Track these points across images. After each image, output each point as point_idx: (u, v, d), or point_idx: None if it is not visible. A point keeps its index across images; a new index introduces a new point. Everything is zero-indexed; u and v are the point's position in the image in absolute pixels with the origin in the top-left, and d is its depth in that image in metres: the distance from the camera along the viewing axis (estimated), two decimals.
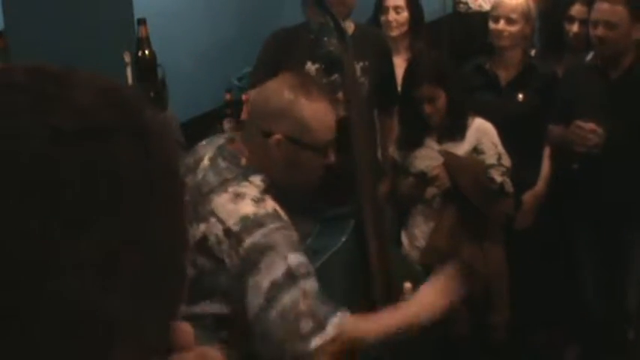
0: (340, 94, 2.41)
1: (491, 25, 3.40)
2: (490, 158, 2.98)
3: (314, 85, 1.95)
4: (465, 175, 2.92)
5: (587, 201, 3.28)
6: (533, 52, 3.73)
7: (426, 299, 2.00)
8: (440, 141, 3.01)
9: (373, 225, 2.30)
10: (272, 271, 1.73)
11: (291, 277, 1.74)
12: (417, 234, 3.03)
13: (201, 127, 3.47)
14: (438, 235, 2.93)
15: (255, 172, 1.87)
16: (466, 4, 4.72)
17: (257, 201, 1.81)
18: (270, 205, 1.82)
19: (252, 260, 1.74)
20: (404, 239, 3.10)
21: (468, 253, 2.92)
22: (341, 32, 2.33)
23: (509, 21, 3.36)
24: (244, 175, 1.86)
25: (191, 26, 3.87)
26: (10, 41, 2.74)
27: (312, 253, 2.29)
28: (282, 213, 1.84)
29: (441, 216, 2.95)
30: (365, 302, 2.24)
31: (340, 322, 1.76)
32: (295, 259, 1.77)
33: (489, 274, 2.96)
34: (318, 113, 1.90)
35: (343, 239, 2.31)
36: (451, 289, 2.03)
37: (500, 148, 3.00)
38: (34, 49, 2.62)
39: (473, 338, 2.98)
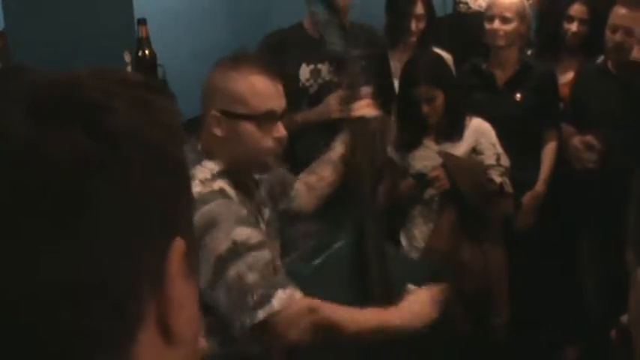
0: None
1: (486, 24, 3.40)
2: (489, 159, 2.98)
3: (244, 59, 1.92)
4: (464, 176, 2.92)
5: (591, 201, 3.28)
6: (529, 52, 3.73)
7: (411, 308, 2.01)
8: (438, 141, 3.01)
9: (373, 225, 2.30)
10: (216, 246, 1.74)
11: (236, 251, 1.75)
12: (417, 235, 3.03)
13: (201, 127, 3.46)
14: (437, 235, 2.93)
15: (209, 157, 1.89)
16: (466, 4, 4.71)
17: (204, 182, 1.83)
18: (218, 185, 1.84)
19: (197, 236, 1.74)
20: (403, 239, 3.10)
21: (467, 254, 2.92)
22: (343, 30, 2.33)
23: (504, 20, 3.36)
24: (198, 160, 1.88)
25: (191, 26, 3.88)
26: (10, 41, 2.74)
27: (313, 252, 2.30)
28: (230, 192, 1.85)
29: (440, 217, 2.95)
30: (363, 302, 2.24)
31: (289, 297, 1.76)
32: (241, 232, 1.76)
33: (489, 274, 2.96)
34: (248, 83, 1.88)
35: (343, 239, 2.31)
36: (436, 303, 2.05)
37: (499, 149, 3.00)
38: (34, 49, 2.62)
39: (473, 338, 2.98)
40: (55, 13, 2.68)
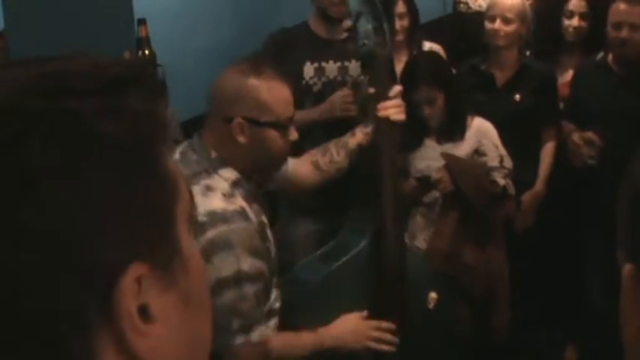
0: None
1: (487, 24, 3.40)
2: (492, 161, 2.97)
3: (263, 66, 1.95)
4: (467, 178, 2.91)
5: (594, 200, 3.28)
6: (527, 53, 3.73)
7: (344, 331, 2.10)
8: (439, 141, 3.00)
9: (393, 230, 2.28)
10: (222, 268, 1.79)
11: (238, 279, 1.80)
12: (419, 236, 3.03)
13: (201, 127, 3.46)
14: (439, 237, 2.92)
15: (224, 164, 1.89)
16: (466, 4, 4.72)
17: (227, 196, 1.85)
18: (239, 202, 1.85)
19: (208, 253, 1.77)
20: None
21: (469, 256, 2.91)
22: (379, 22, 2.28)
23: (505, 20, 3.36)
24: (214, 168, 1.89)
25: (191, 26, 3.88)
26: (10, 41, 2.74)
27: (331, 255, 2.30)
28: (250, 213, 1.87)
29: (442, 218, 2.94)
30: (377, 307, 2.23)
31: (266, 333, 1.87)
32: (248, 263, 1.82)
33: (491, 276, 2.96)
34: (272, 91, 1.91)
35: (363, 243, 2.30)
36: (364, 334, 2.13)
37: (502, 150, 3.00)
38: (34, 49, 2.62)
39: (474, 339, 2.98)
40: (55, 14, 2.68)
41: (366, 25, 2.28)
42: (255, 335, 1.85)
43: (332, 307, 2.16)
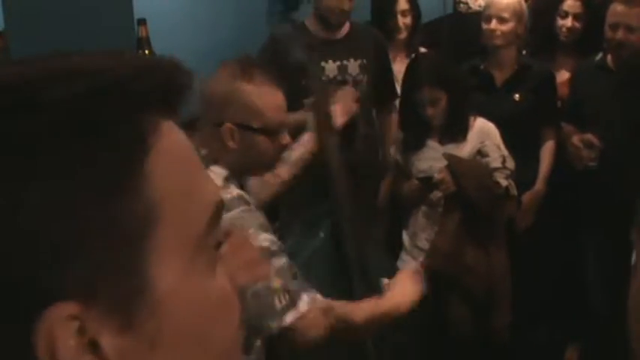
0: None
1: (484, 24, 3.40)
2: (495, 161, 2.97)
3: (255, 70, 1.93)
4: (470, 178, 2.91)
5: (594, 200, 3.28)
6: (524, 52, 3.72)
7: (398, 292, 2.06)
8: (442, 142, 3.00)
9: (350, 223, 2.31)
10: None
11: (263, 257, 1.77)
12: (421, 235, 3.02)
13: (202, 130, 3.46)
14: (441, 237, 2.92)
15: (214, 162, 1.90)
16: (466, 4, 4.71)
17: (221, 188, 1.84)
18: (235, 190, 1.86)
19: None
20: (405, 239, 3.09)
21: (471, 256, 2.91)
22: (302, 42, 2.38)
23: (502, 20, 3.36)
24: (205, 165, 1.87)
25: (191, 26, 3.87)
26: (10, 41, 2.74)
27: (291, 251, 2.31)
28: (247, 197, 1.87)
29: (444, 218, 2.94)
30: (344, 299, 2.25)
31: (311, 300, 1.80)
32: (265, 239, 1.80)
33: (493, 276, 2.96)
34: (263, 96, 1.90)
35: (321, 237, 2.32)
36: (417, 282, 2.09)
37: (504, 150, 2.99)
38: (34, 49, 2.62)
39: (476, 339, 2.98)
40: (55, 13, 2.67)
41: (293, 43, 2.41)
42: (303, 305, 1.79)
43: None
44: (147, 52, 2.93)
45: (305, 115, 3.00)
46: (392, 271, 2.35)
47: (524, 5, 3.47)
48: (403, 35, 3.68)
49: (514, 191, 3.02)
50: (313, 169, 2.41)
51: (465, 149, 2.98)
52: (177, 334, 0.49)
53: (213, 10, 4.04)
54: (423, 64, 3.03)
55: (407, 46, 3.73)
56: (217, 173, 1.88)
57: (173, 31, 3.61)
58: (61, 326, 0.44)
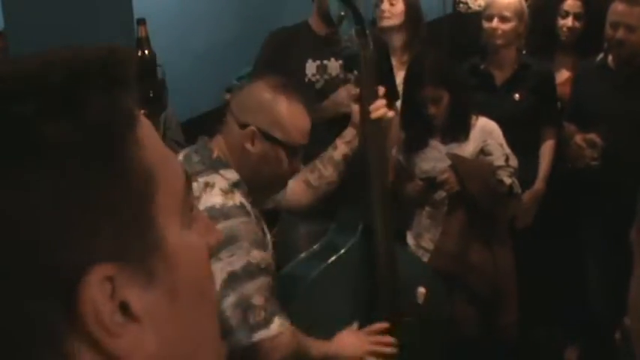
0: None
1: (485, 24, 3.40)
2: (498, 160, 2.96)
3: (294, 91, 1.99)
4: (474, 178, 2.90)
5: (595, 200, 3.28)
6: (523, 52, 3.73)
7: (345, 344, 2.11)
8: (444, 141, 3.00)
9: (383, 227, 2.29)
10: (232, 262, 1.80)
11: (250, 271, 1.81)
12: (425, 236, 3.02)
13: (201, 127, 3.46)
14: (446, 237, 2.92)
15: (225, 165, 1.91)
16: (466, 4, 4.72)
17: (226, 192, 1.86)
18: (238, 198, 1.87)
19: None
20: (409, 240, 3.09)
21: (476, 255, 2.91)
22: (361, 24, 2.30)
23: (503, 19, 3.36)
24: (214, 168, 1.90)
25: (191, 26, 3.88)
26: (10, 41, 2.74)
27: (323, 253, 2.30)
28: (249, 208, 1.88)
29: (449, 218, 2.94)
30: (370, 305, 2.24)
31: (284, 323, 1.85)
32: (257, 255, 1.83)
33: (498, 275, 2.96)
34: (293, 114, 1.95)
35: (353, 241, 2.31)
36: (367, 345, 2.15)
37: (507, 149, 2.99)
38: (34, 49, 2.62)
39: (482, 339, 2.97)
40: (55, 13, 2.67)
41: (348, 28, 2.30)
42: (275, 327, 1.83)
43: (324, 305, 2.19)
44: (146, 52, 2.93)
45: (322, 109, 2.99)
46: (423, 279, 2.38)
47: (524, 4, 3.47)
48: (385, 23, 3.66)
49: (518, 189, 3.02)
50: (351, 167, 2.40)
51: (467, 148, 2.97)
52: (187, 287, 0.55)
53: (213, 9, 4.05)
54: (425, 63, 3.02)
55: (407, 47, 3.72)
56: (227, 177, 1.89)
57: (173, 31, 3.61)
58: (100, 290, 0.49)
